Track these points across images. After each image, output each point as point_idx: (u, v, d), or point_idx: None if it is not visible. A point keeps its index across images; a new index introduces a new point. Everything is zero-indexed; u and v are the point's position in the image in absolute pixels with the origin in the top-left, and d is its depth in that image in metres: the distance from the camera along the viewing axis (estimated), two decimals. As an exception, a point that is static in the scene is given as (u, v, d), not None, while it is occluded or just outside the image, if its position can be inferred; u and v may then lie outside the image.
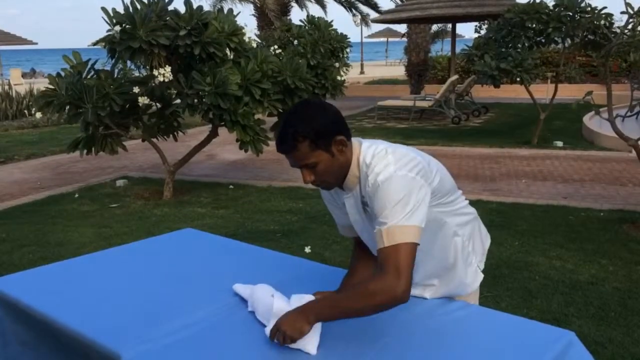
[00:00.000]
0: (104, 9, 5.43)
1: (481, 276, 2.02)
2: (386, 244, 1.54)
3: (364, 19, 21.21)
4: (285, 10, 17.49)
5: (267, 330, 1.69)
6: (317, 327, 1.66)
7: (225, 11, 5.91)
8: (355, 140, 1.76)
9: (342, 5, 19.37)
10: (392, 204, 1.57)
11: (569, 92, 12.05)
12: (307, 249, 4.44)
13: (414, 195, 1.59)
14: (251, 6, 17.85)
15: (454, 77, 12.30)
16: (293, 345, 1.63)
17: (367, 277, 1.73)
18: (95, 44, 5.65)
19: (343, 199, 1.83)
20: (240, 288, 2.00)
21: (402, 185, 1.60)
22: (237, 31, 5.76)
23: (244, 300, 1.95)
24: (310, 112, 1.65)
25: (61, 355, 1.89)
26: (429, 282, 1.96)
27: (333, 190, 1.87)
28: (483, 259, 2.05)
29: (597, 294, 3.62)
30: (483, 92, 14.15)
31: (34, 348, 2.03)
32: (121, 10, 5.39)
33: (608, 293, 3.62)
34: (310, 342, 1.63)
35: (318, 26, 7.64)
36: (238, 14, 5.97)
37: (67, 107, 5.68)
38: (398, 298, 1.51)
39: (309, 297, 1.77)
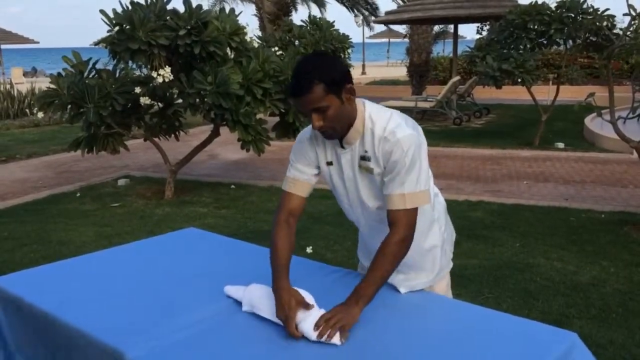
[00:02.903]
0: (102, 12, 5.43)
1: (451, 264, 2.19)
2: (408, 207, 1.80)
3: (366, 20, 21.20)
4: (287, 10, 17.48)
5: (303, 326, 1.70)
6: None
7: (227, 11, 5.92)
8: (359, 100, 1.87)
9: (344, 5, 19.38)
10: (410, 166, 1.78)
11: (571, 94, 12.02)
12: (309, 250, 4.44)
13: (423, 154, 1.83)
14: (253, 6, 17.87)
15: (456, 78, 12.30)
16: (316, 339, 1.65)
17: (387, 241, 1.81)
18: (96, 44, 5.66)
19: (339, 155, 1.91)
20: (232, 290, 2.00)
21: (417, 144, 1.79)
22: (239, 30, 5.76)
23: (238, 302, 1.95)
24: (324, 60, 1.78)
25: (64, 353, 1.89)
26: (403, 271, 2.00)
27: (329, 146, 1.94)
28: (452, 248, 2.22)
29: (598, 295, 3.62)
30: (484, 93, 14.14)
31: (36, 346, 2.03)
32: (121, 10, 5.40)
33: (609, 294, 3.62)
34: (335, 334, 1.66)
35: (319, 26, 7.65)
36: (240, 13, 5.97)
37: (69, 107, 5.68)
38: (409, 247, 1.83)
39: (308, 294, 1.81)
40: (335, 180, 1.99)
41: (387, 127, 1.80)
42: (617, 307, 3.45)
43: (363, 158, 1.87)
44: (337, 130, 1.83)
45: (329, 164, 1.97)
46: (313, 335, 1.67)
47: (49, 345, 1.96)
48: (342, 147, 1.90)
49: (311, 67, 1.73)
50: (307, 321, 1.70)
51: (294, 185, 2.00)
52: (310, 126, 1.96)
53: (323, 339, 1.65)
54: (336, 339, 1.65)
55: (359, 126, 1.84)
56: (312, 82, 1.71)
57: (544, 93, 12.01)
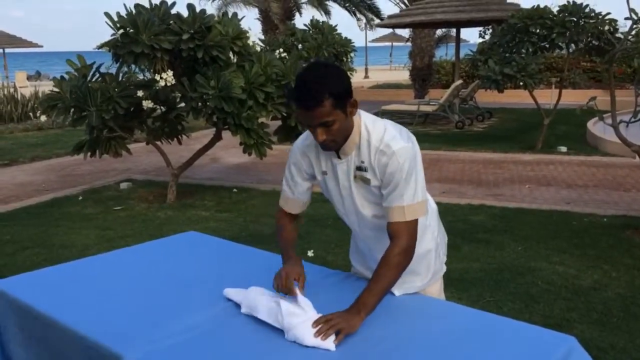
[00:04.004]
0: (107, 14, 5.46)
1: (445, 268, 2.21)
2: (408, 219, 1.83)
3: (368, 23, 21.20)
4: (290, 14, 17.52)
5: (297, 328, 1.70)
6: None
7: (230, 15, 5.94)
8: None
9: (347, 9, 19.39)
10: (406, 178, 1.81)
11: (573, 98, 12.02)
12: (310, 253, 4.44)
13: (419, 165, 1.85)
14: (256, 10, 17.92)
15: (458, 82, 12.30)
16: (311, 343, 1.65)
17: (389, 252, 1.83)
18: (99, 47, 5.68)
19: (335, 165, 1.93)
20: (232, 292, 2.01)
21: (412, 156, 1.82)
22: (241, 35, 5.78)
23: (237, 305, 1.95)
24: (334, 73, 1.77)
25: (64, 356, 1.90)
26: None
27: (324, 157, 1.96)
28: (445, 252, 2.23)
29: (599, 299, 3.61)
30: (487, 97, 14.10)
31: (36, 349, 2.04)
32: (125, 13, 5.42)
33: (611, 299, 3.62)
34: (329, 339, 1.66)
35: (322, 30, 7.66)
36: (242, 18, 5.99)
37: (72, 110, 5.70)
38: (412, 257, 1.86)
39: (306, 300, 1.81)
40: (331, 189, 2.01)
41: (383, 139, 1.82)
42: (618, 311, 3.44)
43: (359, 168, 1.88)
44: (338, 143, 1.84)
45: (324, 173, 1.98)
46: (306, 339, 1.66)
47: (48, 347, 1.97)
48: (339, 157, 1.91)
49: (321, 80, 1.71)
50: (302, 326, 1.70)
51: (285, 203, 2.11)
52: (302, 136, 2.00)
53: (318, 339, 1.65)
54: (330, 344, 1.65)
55: (356, 137, 1.86)
56: (324, 95, 1.70)
57: (547, 97, 12.01)
